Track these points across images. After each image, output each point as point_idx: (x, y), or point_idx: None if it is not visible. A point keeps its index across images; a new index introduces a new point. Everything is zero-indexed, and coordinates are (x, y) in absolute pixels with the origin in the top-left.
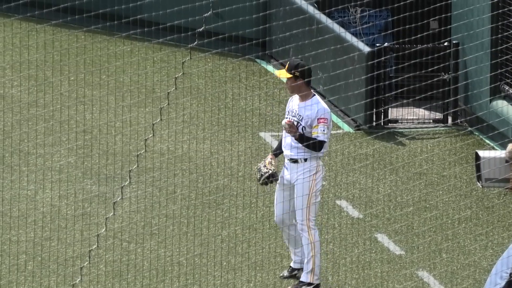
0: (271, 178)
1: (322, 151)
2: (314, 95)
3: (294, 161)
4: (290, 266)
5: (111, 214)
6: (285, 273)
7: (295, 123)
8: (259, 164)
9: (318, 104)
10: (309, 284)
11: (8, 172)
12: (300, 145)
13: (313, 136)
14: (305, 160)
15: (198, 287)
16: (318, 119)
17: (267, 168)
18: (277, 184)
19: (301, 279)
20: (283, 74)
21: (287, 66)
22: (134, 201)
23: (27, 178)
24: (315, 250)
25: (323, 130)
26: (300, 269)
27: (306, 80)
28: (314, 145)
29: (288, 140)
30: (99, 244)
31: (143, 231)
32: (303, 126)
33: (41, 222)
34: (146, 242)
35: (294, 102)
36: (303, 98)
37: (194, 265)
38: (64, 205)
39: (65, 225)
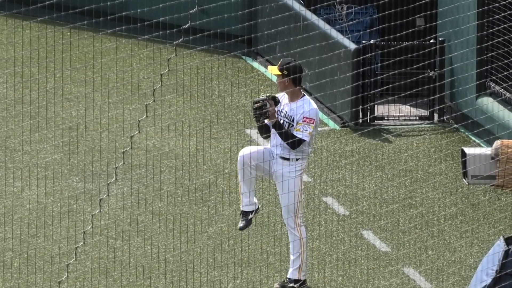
0: (263, 117)
1: (307, 150)
2: (304, 95)
3: (285, 159)
4: (244, 211)
5: (97, 211)
6: (242, 223)
7: (287, 124)
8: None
9: (308, 105)
10: (297, 281)
11: None
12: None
13: (294, 132)
14: (297, 159)
15: (184, 284)
16: (303, 117)
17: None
18: (266, 146)
19: (288, 276)
20: (273, 71)
21: (279, 63)
22: (120, 198)
23: (13, 175)
24: (304, 247)
25: (305, 129)
26: (252, 212)
27: (292, 77)
28: (293, 143)
29: (278, 139)
30: (86, 241)
31: (129, 228)
32: (291, 125)
33: (27, 219)
34: (133, 239)
35: (283, 102)
36: (293, 98)
37: (181, 262)
38: (50, 202)
39: (51, 222)
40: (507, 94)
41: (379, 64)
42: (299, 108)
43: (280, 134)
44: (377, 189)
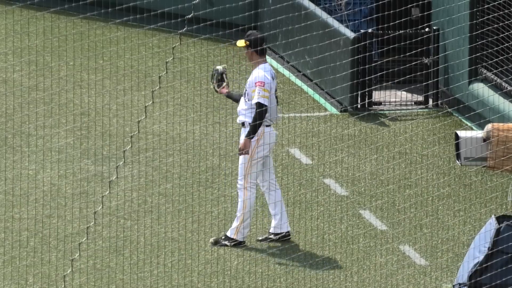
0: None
1: (268, 116)
2: (263, 64)
3: (242, 124)
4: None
5: (108, 192)
6: None
7: (244, 90)
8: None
9: (258, 71)
10: (231, 239)
11: (10, 152)
12: (244, 108)
13: (252, 101)
14: (249, 124)
15: (191, 261)
16: (255, 83)
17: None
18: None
19: (225, 232)
20: (239, 43)
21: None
22: (130, 180)
23: (29, 158)
24: (246, 209)
25: (259, 92)
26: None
27: (254, 49)
28: (259, 115)
29: (240, 105)
30: (97, 221)
31: (139, 208)
32: (247, 92)
33: (42, 200)
34: (142, 219)
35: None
36: (253, 67)
37: (188, 241)
38: (63, 184)
39: (65, 203)
40: (498, 80)
41: (376, 52)
42: (253, 75)
43: (252, 130)
44: (375, 171)
